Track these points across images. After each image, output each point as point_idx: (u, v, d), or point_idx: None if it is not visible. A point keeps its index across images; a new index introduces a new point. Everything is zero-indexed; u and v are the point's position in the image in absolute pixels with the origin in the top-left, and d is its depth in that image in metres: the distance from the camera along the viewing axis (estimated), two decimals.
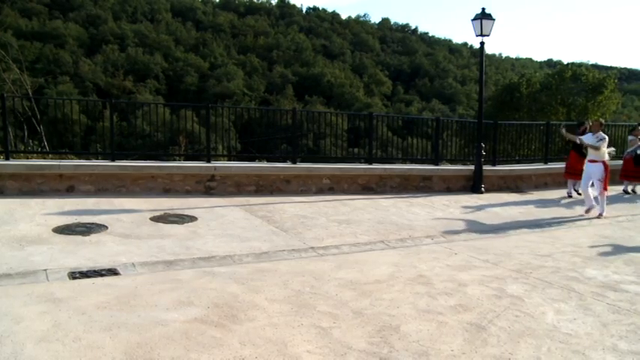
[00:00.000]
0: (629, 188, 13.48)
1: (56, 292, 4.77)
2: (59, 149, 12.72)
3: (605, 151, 10.34)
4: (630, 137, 13.69)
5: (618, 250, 7.49)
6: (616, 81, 33.45)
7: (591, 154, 10.41)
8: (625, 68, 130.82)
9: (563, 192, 12.94)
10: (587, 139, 10.55)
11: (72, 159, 11.15)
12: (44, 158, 11.29)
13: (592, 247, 7.62)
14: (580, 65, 40.14)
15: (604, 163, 10.25)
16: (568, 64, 40.15)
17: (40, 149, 13.36)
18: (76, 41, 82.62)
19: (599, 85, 30.95)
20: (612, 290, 5.54)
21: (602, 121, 10.71)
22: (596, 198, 10.33)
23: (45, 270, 5.39)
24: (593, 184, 10.45)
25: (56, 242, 6.52)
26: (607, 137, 10.44)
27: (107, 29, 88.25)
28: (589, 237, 8.39)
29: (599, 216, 10.18)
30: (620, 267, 6.51)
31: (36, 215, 7.84)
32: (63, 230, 7.08)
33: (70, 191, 9.73)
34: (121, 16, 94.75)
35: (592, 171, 10.34)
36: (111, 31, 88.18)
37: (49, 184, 9.63)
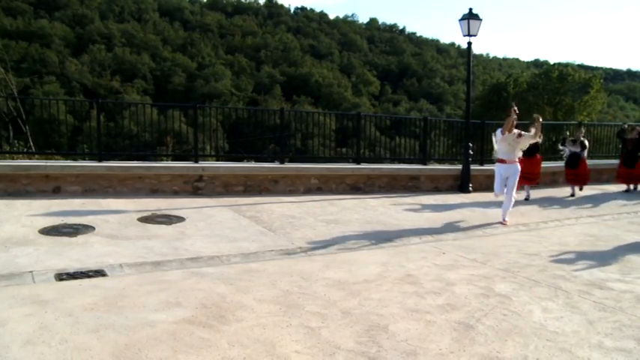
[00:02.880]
0: (570, 191, 12.95)
1: (42, 294, 4.72)
2: (45, 150, 12.63)
3: (519, 152, 9.36)
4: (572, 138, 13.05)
5: (604, 248, 7.54)
6: (602, 81, 33.82)
7: (504, 152, 9.25)
8: (610, 69, 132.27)
9: (548, 191, 13.05)
10: (498, 135, 9.37)
11: (58, 159, 11.06)
12: (30, 159, 11.19)
13: (578, 245, 7.67)
14: (566, 65, 40.48)
15: (520, 163, 9.33)
16: (555, 64, 40.56)
17: (25, 150, 13.25)
18: (63, 41, 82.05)
19: (586, 85, 31.28)
20: (598, 288, 5.58)
21: (515, 109, 9.38)
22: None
23: (31, 272, 5.34)
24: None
25: (42, 243, 6.46)
26: (525, 134, 9.33)
27: (94, 29, 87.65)
28: (575, 236, 8.46)
29: (503, 222, 9.27)
30: (605, 265, 6.56)
31: (22, 216, 7.77)
32: (49, 231, 7.03)
33: (56, 192, 9.65)
34: (107, 15, 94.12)
35: (507, 172, 9.26)
36: (98, 31, 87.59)
37: (35, 184, 9.55)
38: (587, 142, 13.03)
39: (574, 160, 12.78)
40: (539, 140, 10.63)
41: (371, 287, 5.36)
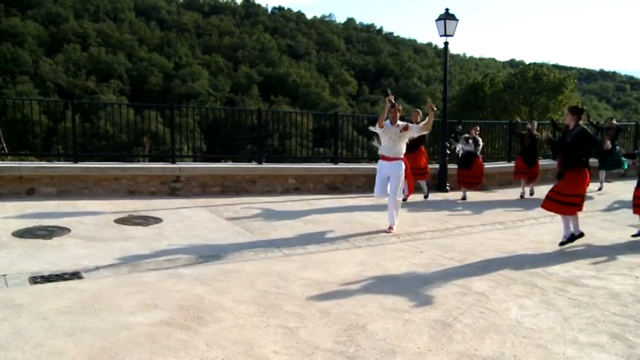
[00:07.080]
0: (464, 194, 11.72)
1: (16, 298, 4.65)
2: (19, 151, 12.44)
3: (403, 147, 8.08)
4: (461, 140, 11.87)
5: (579, 245, 7.64)
6: (575, 81, 34.35)
7: (387, 149, 8.00)
8: (584, 69, 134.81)
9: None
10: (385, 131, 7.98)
11: (32, 161, 10.91)
12: (3, 160, 11.02)
13: (554, 243, 7.76)
14: (541, 65, 41.04)
15: (404, 161, 8.12)
16: (530, 64, 41.12)
17: None
18: (36, 40, 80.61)
19: (560, 84, 31.74)
20: (573, 285, 5.66)
21: (396, 103, 8.03)
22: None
23: (4, 275, 5.25)
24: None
25: (16, 246, 6.36)
26: (412, 125, 8.13)
27: (68, 28, 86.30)
28: (551, 233, 8.54)
29: (389, 229, 8.10)
30: (580, 262, 6.66)
31: None
32: (23, 234, 6.92)
33: (30, 194, 9.50)
34: (82, 14, 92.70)
35: (388, 171, 8.00)
36: (72, 30, 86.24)
37: (8, 186, 9.39)
38: (481, 141, 11.85)
39: (467, 160, 11.62)
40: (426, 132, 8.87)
41: (349, 287, 5.38)
